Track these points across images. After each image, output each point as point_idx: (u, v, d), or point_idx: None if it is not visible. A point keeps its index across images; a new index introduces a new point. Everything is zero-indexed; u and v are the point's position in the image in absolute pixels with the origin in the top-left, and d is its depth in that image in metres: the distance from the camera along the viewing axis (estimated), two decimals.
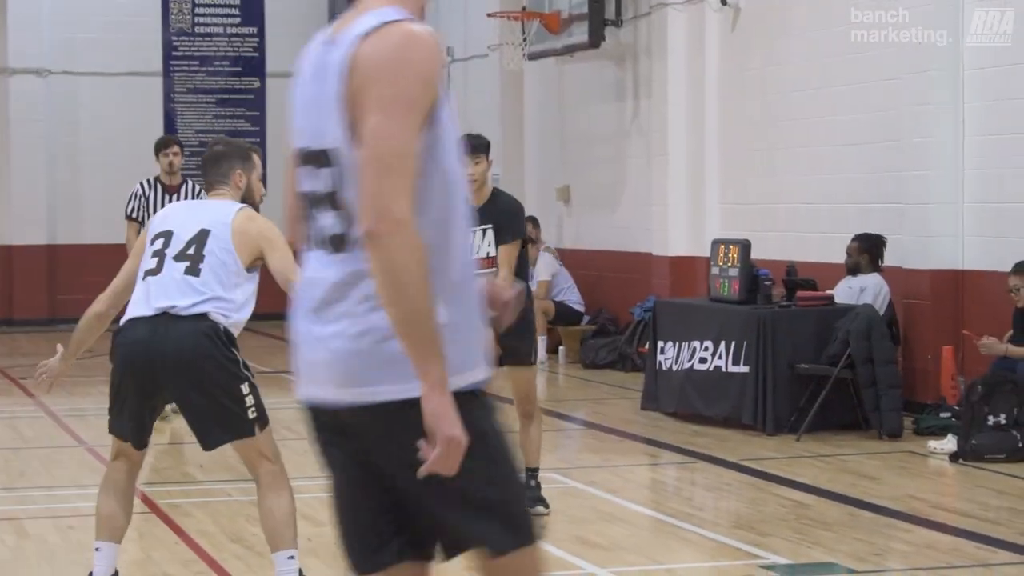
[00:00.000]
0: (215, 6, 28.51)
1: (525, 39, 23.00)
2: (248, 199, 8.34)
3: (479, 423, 4.61)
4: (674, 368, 16.08)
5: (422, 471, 4.42)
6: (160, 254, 7.83)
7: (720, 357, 15.50)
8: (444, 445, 4.39)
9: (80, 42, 27.58)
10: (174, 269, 7.77)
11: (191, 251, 7.80)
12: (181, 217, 8.14)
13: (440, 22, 27.25)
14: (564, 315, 21.45)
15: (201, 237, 7.84)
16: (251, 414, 7.82)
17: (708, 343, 15.65)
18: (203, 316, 7.71)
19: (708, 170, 19.77)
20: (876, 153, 16.70)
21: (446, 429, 4.39)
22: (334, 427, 4.80)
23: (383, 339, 4.53)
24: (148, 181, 16.56)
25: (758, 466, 13.23)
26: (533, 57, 23.10)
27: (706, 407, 15.57)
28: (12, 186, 27.02)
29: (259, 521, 8.06)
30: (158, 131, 27.54)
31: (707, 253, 17.01)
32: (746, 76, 19.20)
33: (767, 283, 15.82)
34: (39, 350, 23.15)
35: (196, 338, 7.64)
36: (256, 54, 28.72)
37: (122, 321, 7.93)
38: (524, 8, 22.81)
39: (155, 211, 15.96)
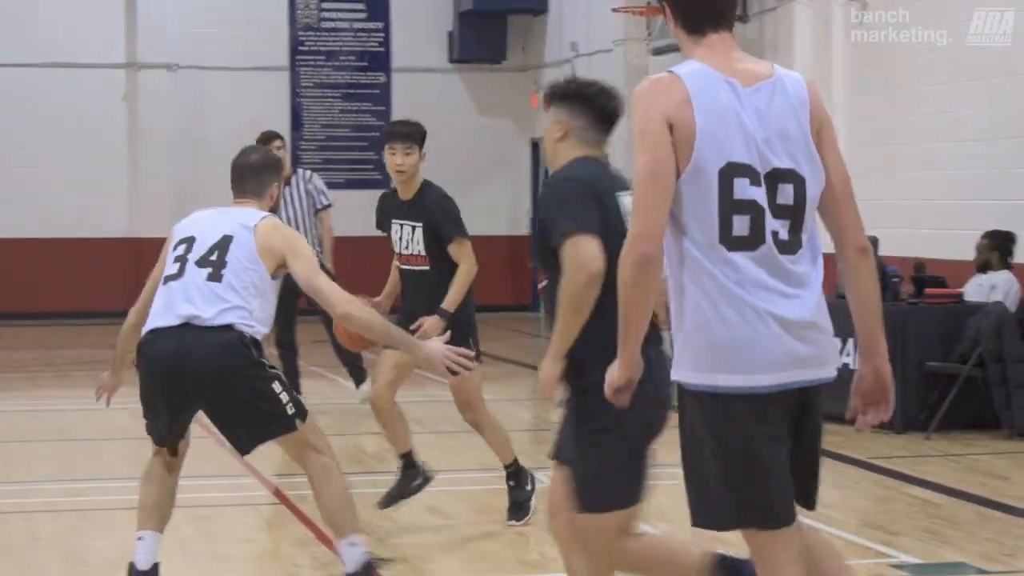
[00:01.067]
0: (341, 1, 28.69)
1: (650, 34, 23.09)
2: (273, 207, 8.41)
3: None
4: None
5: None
6: (182, 259, 7.77)
7: (848, 355, 15.43)
8: None
9: (208, 37, 27.81)
10: (196, 274, 7.71)
11: (213, 257, 7.74)
12: (205, 223, 8.05)
13: (564, 17, 27.38)
14: None
15: (224, 243, 7.79)
16: (290, 410, 7.78)
17: (836, 340, 15.56)
18: (228, 327, 7.64)
19: None
20: (1005, 149, 16.61)
21: None
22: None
23: None
24: None
25: (887, 464, 13.18)
26: (658, 52, 23.13)
27: (834, 405, 15.45)
28: (141, 179, 27.34)
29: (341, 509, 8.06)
30: (284, 125, 27.93)
31: (834, 250, 16.88)
32: (874, 71, 19.11)
33: (896, 280, 15.75)
34: None
35: (223, 352, 7.59)
36: (382, 49, 28.92)
37: (145, 330, 7.81)
38: (649, 3, 22.83)
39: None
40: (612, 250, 5.88)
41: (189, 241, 7.85)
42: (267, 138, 16.62)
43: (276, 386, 7.75)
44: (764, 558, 5.39)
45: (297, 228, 16.11)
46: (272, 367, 7.89)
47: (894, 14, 18.57)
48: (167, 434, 7.87)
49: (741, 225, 5.16)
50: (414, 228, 10.19)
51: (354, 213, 19.71)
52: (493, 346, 23.24)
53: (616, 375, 5.41)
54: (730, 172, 5.14)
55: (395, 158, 10.27)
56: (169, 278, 7.75)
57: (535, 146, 29.02)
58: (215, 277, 7.65)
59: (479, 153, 29.20)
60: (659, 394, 6.26)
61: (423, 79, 29.01)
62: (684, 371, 5.31)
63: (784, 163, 5.25)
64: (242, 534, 10.80)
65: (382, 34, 28.95)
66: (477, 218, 28.71)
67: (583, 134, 7.35)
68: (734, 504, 5.28)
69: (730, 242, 5.16)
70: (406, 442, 10.41)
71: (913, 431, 14.68)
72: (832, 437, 14.52)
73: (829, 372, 5.73)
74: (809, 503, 5.57)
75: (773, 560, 5.34)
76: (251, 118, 27.97)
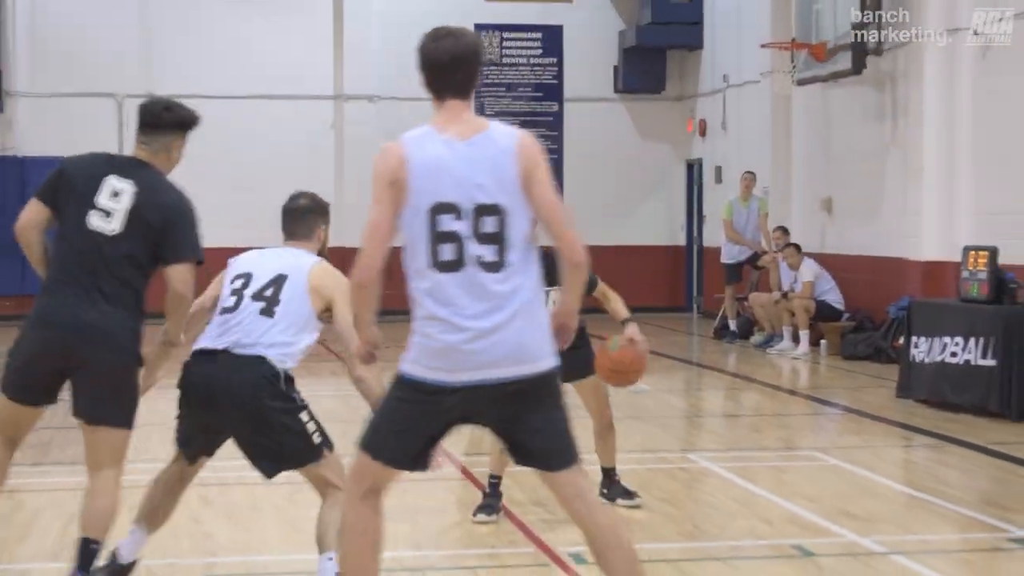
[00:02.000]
0: (520, 40, 28.77)
1: (794, 66, 22.96)
2: (321, 251, 8.03)
3: None
4: (927, 361, 15.92)
5: None
6: (239, 293, 7.54)
7: (969, 352, 15.31)
8: None
9: (404, 72, 27.86)
10: (251, 307, 7.47)
11: (268, 292, 7.51)
12: (261, 261, 7.77)
13: (717, 52, 27.30)
14: (826, 312, 21.31)
15: (279, 281, 7.54)
16: (316, 439, 7.45)
17: (959, 339, 15.47)
18: (262, 360, 7.34)
19: (959, 183, 19.53)
20: None
21: None
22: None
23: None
24: None
25: (1004, 449, 13.00)
26: (801, 83, 23.04)
27: (956, 396, 15.39)
28: (345, 196, 27.54)
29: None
30: None
31: (957, 258, 16.79)
32: (995, 99, 18.89)
33: (1013, 285, 15.59)
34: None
35: (254, 386, 7.29)
36: (555, 81, 28.92)
37: (193, 348, 7.56)
38: (794, 39, 22.74)
39: None
40: None
41: (246, 277, 7.61)
42: None
43: (303, 416, 7.42)
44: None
45: None
46: (302, 400, 7.49)
47: (1018, 46, 18.40)
48: (191, 451, 7.57)
49: (446, 251, 5.92)
50: None
51: None
52: (652, 342, 23.19)
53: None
54: (437, 210, 5.94)
55: None
56: (225, 310, 7.53)
57: (690, 167, 28.97)
58: (268, 312, 7.43)
59: (640, 173, 29.18)
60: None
61: (591, 108, 29.04)
62: (406, 362, 6.10)
63: (489, 200, 5.94)
64: (434, 505, 10.86)
65: (555, 68, 28.98)
66: (638, 230, 28.91)
67: None
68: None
69: (439, 265, 5.93)
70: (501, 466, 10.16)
71: None
72: (954, 425, 14.49)
73: (522, 370, 6.07)
74: (551, 464, 6.28)
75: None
76: None
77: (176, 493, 7.71)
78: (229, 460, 7.94)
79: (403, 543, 9.45)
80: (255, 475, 7.63)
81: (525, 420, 6.13)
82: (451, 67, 6.30)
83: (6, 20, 26.90)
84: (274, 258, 7.77)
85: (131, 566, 7.64)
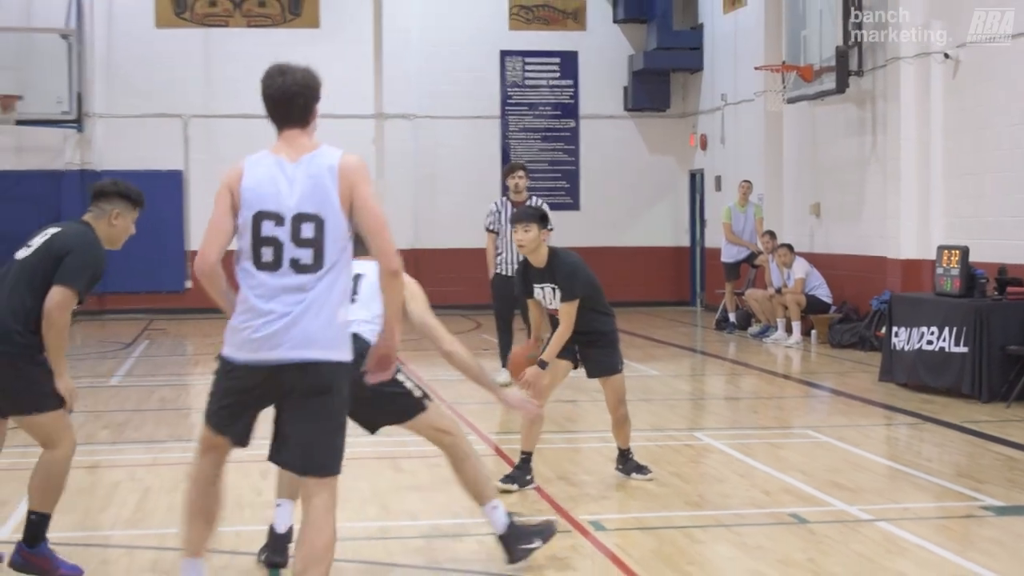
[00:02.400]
0: (541, 64, 28.82)
1: (784, 87, 22.91)
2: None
3: None
4: (906, 348, 15.90)
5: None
6: None
7: (944, 340, 15.28)
8: None
9: (437, 93, 28.04)
10: None
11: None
12: None
13: (715, 74, 27.26)
14: (815, 306, 21.27)
15: (355, 280, 7.46)
16: (416, 392, 7.57)
17: (934, 328, 15.45)
18: (356, 337, 6.96)
19: (933, 190, 19.51)
20: None
21: None
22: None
23: None
24: (500, 200, 16.52)
25: (975, 427, 12.98)
26: (790, 101, 23.00)
27: (932, 380, 15.36)
28: (385, 206, 27.53)
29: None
30: (497, 162, 28.14)
31: (932, 256, 16.77)
32: (963, 114, 18.88)
33: (982, 281, 15.57)
34: (406, 329, 23.63)
35: (354, 363, 6.90)
36: (571, 101, 28.98)
37: None
38: (784, 62, 22.72)
39: (506, 224, 15.96)
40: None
41: None
42: (512, 168, 16.40)
43: (400, 376, 7.47)
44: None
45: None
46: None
47: (983, 68, 18.37)
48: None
49: (267, 253, 6.16)
50: (554, 289, 9.86)
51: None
52: (660, 332, 23.23)
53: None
54: (260, 218, 6.19)
55: (516, 235, 9.81)
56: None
57: (692, 176, 28.91)
58: (352, 300, 7.21)
59: (647, 182, 29.15)
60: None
61: (604, 124, 29.03)
62: (223, 345, 6.29)
63: (309, 210, 6.19)
64: None
65: (572, 89, 29.01)
66: (646, 233, 28.92)
67: None
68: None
69: (260, 265, 6.17)
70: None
71: (996, 401, 14.44)
72: (930, 405, 14.47)
73: (302, 354, 6.16)
74: (298, 465, 6.35)
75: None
76: (471, 156, 28.31)
77: (220, 488, 7.38)
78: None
79: (441, 512, 9.49)
80: None
81: (293, 412, 6.23)
82: (283, 102, 6.45)
83: (86, 51, 26.97)
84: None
85: (288, 534, 7.71)
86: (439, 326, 7.74)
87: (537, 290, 9.96)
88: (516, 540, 7.80)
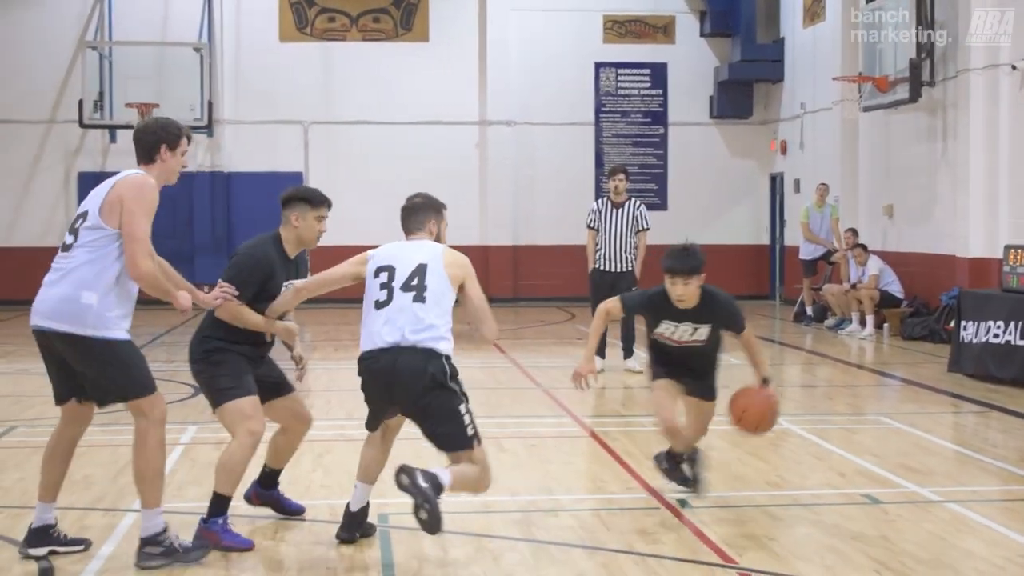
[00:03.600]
0: (632, 75, 28.78)
1: (860, 96, 22.74)
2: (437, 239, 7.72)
3: None
4: (974, 341, 15.72)
5: None
6: (388, 286, 7.32)
7: (1010, 333, 15.09)
8: None
9: (536, 101, 28.05)
10: (403, 298, 7.24)
11: (415, 282, 7.28)
12: (400, 255, 7.48)
13: (796, 83, 27.05)
14: (888, 300, 21.10)
15: (421, 270, 7.30)
16: (470, 431, 7.18)
17: (1001, 323, 15.26)
18: (431, 352, 7.14)
19: (1000, 193, 19.33)
20: None
21: None
22: None
23: None
24: (601, 200, 16.59)
25: None
26: (866, 109, 22.83)
27: (999, 370, 15.18)
28: (488, 206, 27.65)
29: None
30: (591, 165, 28.12)
31: (999, 255, 16.58)
32: None
33: None
34: (507, 319, 23.73)
35: (424, 375, 7.10)
36: (661, 109, 28.88)
37: (364, 349, 7.34)
38: (860, 73, 22.53)
39: (605, 223, 16.17)
40: None
41: (390, 270, 7.38)
42: (614, 171, 16.48)
43: (462, 408, 7.19)
44: None
45: (620, 243, 16.10)
46: (463, 392, 7.25)
47: None
48: (379, 420, 7.52)
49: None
50: (696, 328, 8.56)
51: None
52: None
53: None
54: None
55: (675, 289, 8.36)
56: (379, 304, 7.30)
57: (772, 180, 28.72)
58: (419, 299, 7.22)
59: (731, 185, 29.00)
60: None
61: (690, 131, 28.91)
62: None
63: (81, 210, 7.25)
64: (563, 458, 10.86)
65: (661, 98, 28.90)
66: (729, 232, 28.76)
67: None
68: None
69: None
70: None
71: None
72: (996, 395, 14.31)
73: (51, 325, 7.13)
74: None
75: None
76: (567, 160, 28.30)
77: (385, 449, 7.77)
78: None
79: (537, 489, 9.49)
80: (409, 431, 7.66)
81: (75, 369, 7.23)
82: (136, 142, 7.45)
83: (216, 63, 27.24)
84: (411, 250, 7.52)
85: (362, 512, 7.74)
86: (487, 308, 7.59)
87: (668, 325, 8.55)
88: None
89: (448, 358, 7.24)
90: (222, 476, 7.69)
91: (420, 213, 7.74)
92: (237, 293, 7.70)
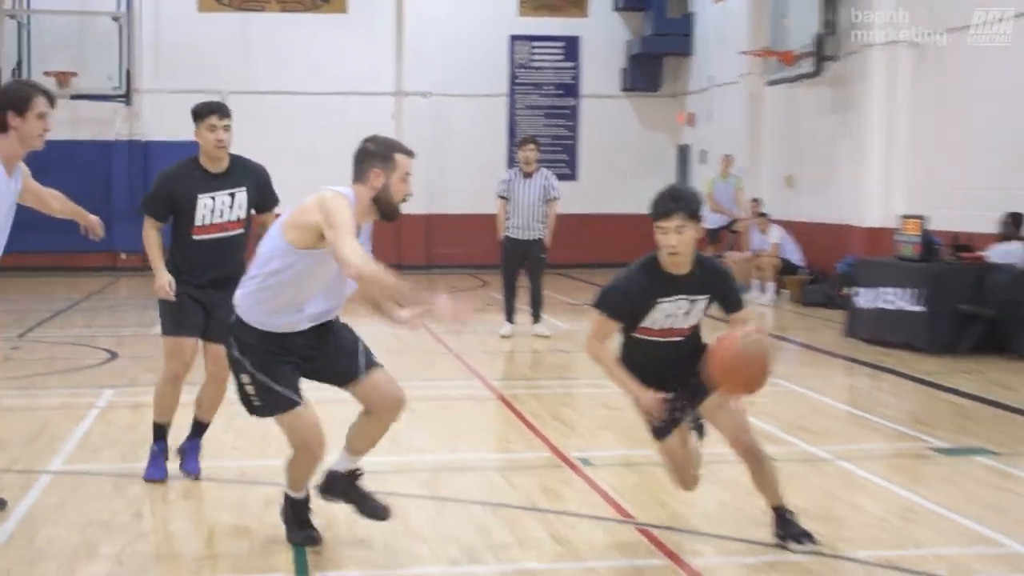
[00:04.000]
0: (547, 48, 28.84)
1: (765, 69, 22.96)
2: (383, 196, 6.24)
3: None
4: (868, 307, 15.97)
5: None
6: None
7: (903, 300, 15.36)
8: None
9: (452, 73, 28.02)
10: None
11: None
12: None
13: (703, 57, 27.29)
14: (788, 268, 21.35)
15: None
16: (255, 403, 6.43)
17: (894, 289, 15.52)
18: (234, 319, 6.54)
19: (896, 165, 19.61)
20: (1020, 151, 16.43)
21: None
22: None
23: None
24: (512, 170, 16.60)
25: (929, 378, 13.05)
26: (771, 83, 23.08)
27: (891, 335, 15.44)
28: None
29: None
30: (504, 137, 28.16)
31: (894, 225, 16.83)
32: (926, 99, 18.94)
33: (937, 247, 15.64)
34: (419, 286, 23.67)
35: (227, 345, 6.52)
36: (573, 81, 28.98)
37: None
38: (766, 48, 22.74)
39: (516, 192, 16.18)
40: None
41: None
42: (524, 141, 16.45)
43: (242, 378, 6.37)
44: None
45: (531, 212, 16.12)
46: (245, 359, 6.37)
47: (947, 54, 18.40)
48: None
49: None
50: (693, 302, 6.84)
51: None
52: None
53: None
54: None
55: (666, 238, 6.74)
56: None
57: (680, 150, 28.89)
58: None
59: (640, 156, 29.09)
60: None
61: (602, 103, 29.01)
62: None
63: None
64: (471, 419, 10.94)
65: (574, 70, 28.97)
66: (638, 201, 28.65)
67: None
68: None
69: None
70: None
71: (947, 355, 14.56)
72: (888, 359, 14.57)
73: None
74: None
75: None
76: (481, 132, 28.30)
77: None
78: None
79: (445, 449, 9.57)
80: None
81: None
82: None
83: (135, 33, 26.96)
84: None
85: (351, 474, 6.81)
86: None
87: (661, 307, 6.73)
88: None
89: (235, 326, 6.43)
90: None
91: (357, 162, 6.37)
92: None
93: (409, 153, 6.43)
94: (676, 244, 6.61)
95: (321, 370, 6.57)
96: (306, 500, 6.84)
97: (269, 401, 6.36)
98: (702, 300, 6.84)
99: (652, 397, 6.67)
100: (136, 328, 16.97)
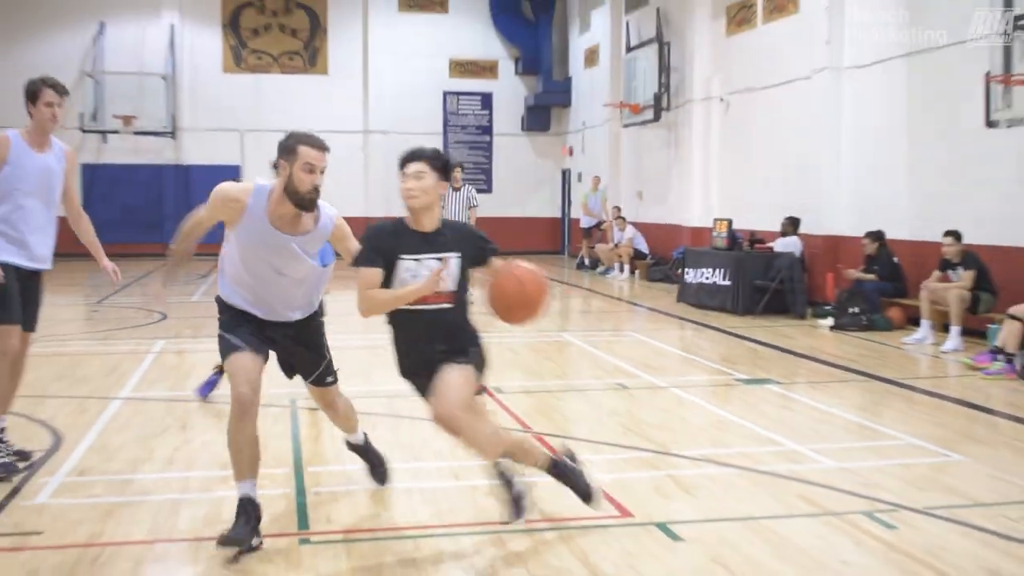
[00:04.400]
0: (469, 100, 28.66)
1: (622, 117, 23.01)
2: (288, 186, 4.90)
3: None
4: (694, 282, 16.09)
5: None
6: None
7: (716, 277, 15.49)
8: None
9: (402, 117, 27.85)
10: None
11: None
12: None
13: (579, 107, 27.26)
14: (639, 255, 21.46)
15: None
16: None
17: (711, 269, 15.65)
18: None
19: (711, 183, 19.74)
20: (796, 173, 16.60)
21: None
22: None
23: None
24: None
25: (733, 330, 13.19)
26: (626, 126, 23.12)
27: (709, 301, 15.57)
28: (369, 190, 27.37)
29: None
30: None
31: (710, 224, 16.96)
32: (729, 135, 19.08)
33: (740, 240, 15.79)
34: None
35: None
36: (488, 124, 29.25)
37: None
38: (621, 101, 22.81)
39: (447, 202, 15.63)
40: None
41: None
42: (453, 165, 15.55)
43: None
44: None
45: (457, 216, 15.71)
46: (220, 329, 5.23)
47: (746, 108, 18.52)
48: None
49: None
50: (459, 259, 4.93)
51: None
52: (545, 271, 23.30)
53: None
54: None
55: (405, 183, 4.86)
56: None
57: (563, 173, 28.92)
58: None
59: (536, 176, 29.08)
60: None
61: (508, 139, 28.95)
62: None
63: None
64: None
65: (488, 116, 28.90)
66: (535, 207, 28.96)
67: None
68: None
69: None
70: None
71: (747, 314, 14.72)
72: (707, 317, 14.62)
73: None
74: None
75: None
76: None
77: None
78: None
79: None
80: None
81: None
82: None
83: (178, 88, 26.54)
84: None
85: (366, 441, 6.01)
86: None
87: (407, 266, 4.80)
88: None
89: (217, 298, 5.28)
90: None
91: (278, 154, 5.03)
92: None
93: (316, 146, 4.94)
94: (412, 187, 4.75)
95: (283, 360, 5.38)
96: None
97: (222, 347, 5.07)
98: (454, 259, 4.84)
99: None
100: (180, 298, 16.75)
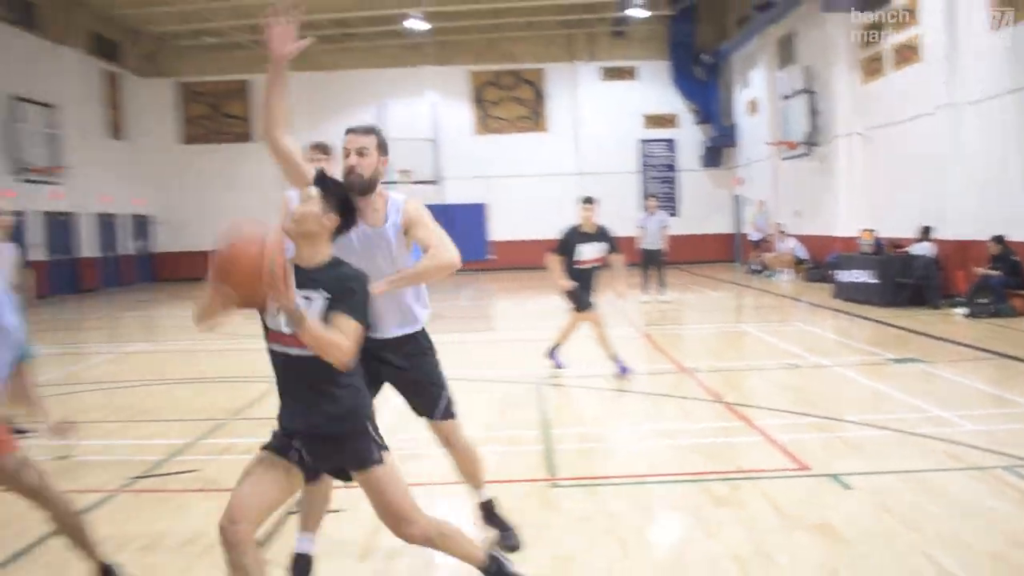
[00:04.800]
0: (658, 144, 28.29)
1: (779, 152, 22.34)
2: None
3: None
4: (846, 281, 15.29)
5: None
6: None
7: (865, 276, 14.50)
8: None
9: (608, 160, 27.84)
10: None
11: None
12: None
13: (744, 146, 26.56)
14: (800, 261, 20.72)
15: None
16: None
17: (860, 270, 14.86)
18: None
19: (857, 200, 18.85)
20: (926, 188, 15.63)
21: None
22: None
23: None
24: (644, 213, 16.25)
25: (882, 320, 12.33)
26: (785, 159, 22.39)
27: (859, 297, 14.53)
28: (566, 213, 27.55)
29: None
30: (636, 194, 27.42)
31: (857, 234, 16.07)
32: (872, 163, 18.21)
33: (882, 246, 14.94)
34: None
35: None
36: (673, 163, 28.38)
37: None
38: (779, 139, 22.13)
39: (646, 223, 15.82)
40: None
41: None
42: (649, 196, 15.99)
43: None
44: None
45: (654, 234, 15.93)
46: None
47: (882, 142, 17.61)
48: None
49: None
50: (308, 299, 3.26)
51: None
52: (732, 278, 22.51)
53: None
54: None
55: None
56: None
57: (735, 198, 28.14)
58: None
59: (710, 201, 28.33)
60: None
61: (690, 174, 28.47)
62: None
63: None
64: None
65: (673, 157, 28.55)
66: (713, 224, 28.17)
67: None
68: None
69: None
70: None
71: (892, 307, 13.83)
72: (860, 310, 13.81)
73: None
74: None
75: None
76: (623, 192, 27.71)
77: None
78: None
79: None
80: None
81: None
82: None
83: (439, 147, 27.49)
84: None
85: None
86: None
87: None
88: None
89: None
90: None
91: None
92: None
93: (348, 131, 3.84)
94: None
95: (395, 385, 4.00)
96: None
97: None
98: (318, 300, 3.17)
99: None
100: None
